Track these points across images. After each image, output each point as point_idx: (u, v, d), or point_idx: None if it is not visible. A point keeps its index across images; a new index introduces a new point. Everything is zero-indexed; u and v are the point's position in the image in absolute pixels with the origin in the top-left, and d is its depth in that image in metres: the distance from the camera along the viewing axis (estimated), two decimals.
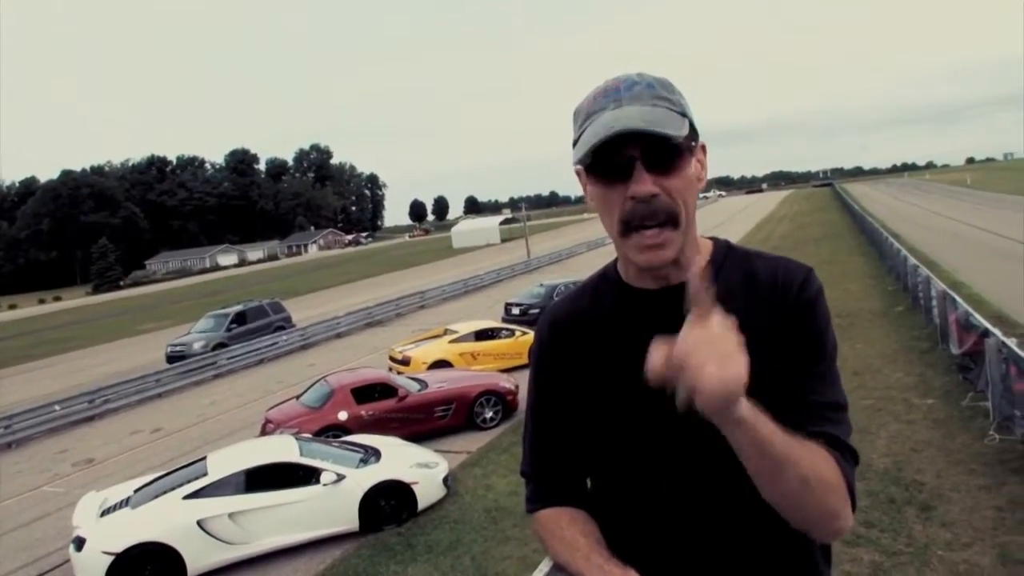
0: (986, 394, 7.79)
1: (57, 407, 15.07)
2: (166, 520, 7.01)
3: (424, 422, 10.50)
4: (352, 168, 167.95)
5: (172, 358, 20.21)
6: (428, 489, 8.01)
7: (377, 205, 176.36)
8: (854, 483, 1.13)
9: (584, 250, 42.14)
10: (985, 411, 7.80)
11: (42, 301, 78.58)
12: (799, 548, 1.19)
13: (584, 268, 29.59)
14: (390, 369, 13.46)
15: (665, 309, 1.22)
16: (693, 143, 1.18)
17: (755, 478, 1.05)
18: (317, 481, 7.45)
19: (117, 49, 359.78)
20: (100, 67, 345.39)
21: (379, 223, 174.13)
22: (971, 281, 15.62)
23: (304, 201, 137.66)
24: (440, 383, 11.15)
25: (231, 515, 7.17)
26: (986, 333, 7.90)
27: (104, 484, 9.16)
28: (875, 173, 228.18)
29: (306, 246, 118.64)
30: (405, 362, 13.75)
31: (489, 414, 10.83)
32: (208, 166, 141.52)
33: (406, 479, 7.87)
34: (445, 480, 8.23)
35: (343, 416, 10.09)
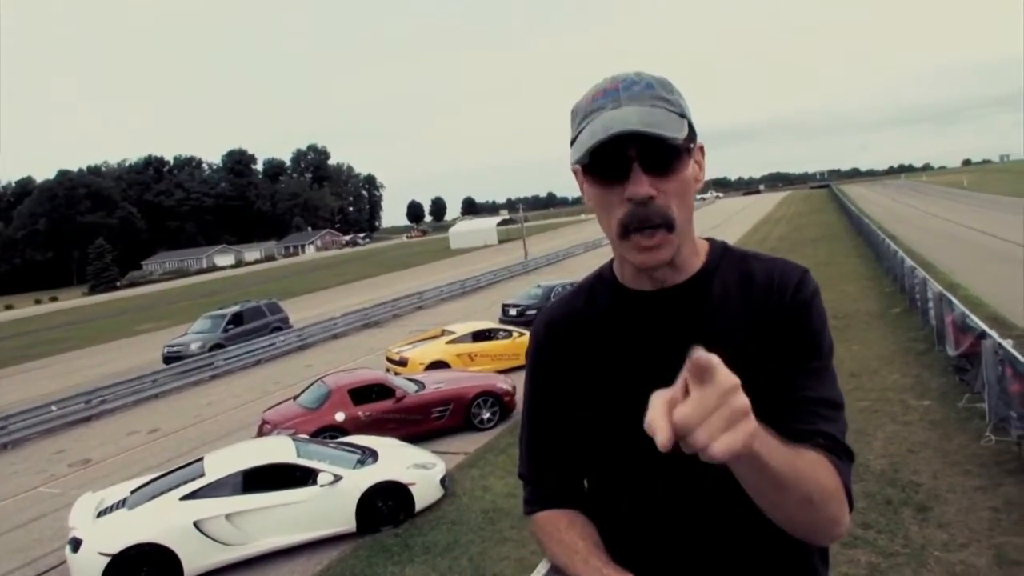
0: (982, 395, 7.81)
1: (54, 408, 15.03)
2: (163, 521, 6.99)
3: (421, 423, 10.50)
4: (349, 169, 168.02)
5: (169, 359, 20.16)
6: (425, 490, 8.01)
7: (374, 206, 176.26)
8: (851, 485, 1.12)
9: (581, 251, 42.14)
10: (981, 412, 7.81)
11: (38, 301, 78.35)
12: (797, 550, 1.19)
13: (581, 269, 29.53)
14: (387, 370, 13.45)
15: (661, 311, 1.23)
16: (691, 144, 1.16)
17: (756, 500, 1.03)
18: (314, 482, 7.45)
19: (114, 49, 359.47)
20: (97, 67, 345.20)
21: (376, 224, 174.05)
22: (968, 283, 15.66)
23: (301, 202, 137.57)
24: (437, 384, 11.15)
25: (228, 516, 7.16)
26: (983, 335, 7.91)
27: (101, 485, 9.14)
28: (872, 174, 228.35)
29: (303, 247, 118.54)
30: (402, 363, 13.75)
31: (486, 415, 10.83)
32: (205, 166, 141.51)
33: (403, 480, 7.87)
34: (442, 481, 8.23)
35: (340, 417, 10.09)
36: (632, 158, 1.10)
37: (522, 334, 13.98)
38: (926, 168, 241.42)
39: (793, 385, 1.16)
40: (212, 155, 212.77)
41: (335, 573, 6.98)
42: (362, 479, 7.69)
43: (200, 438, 12.46)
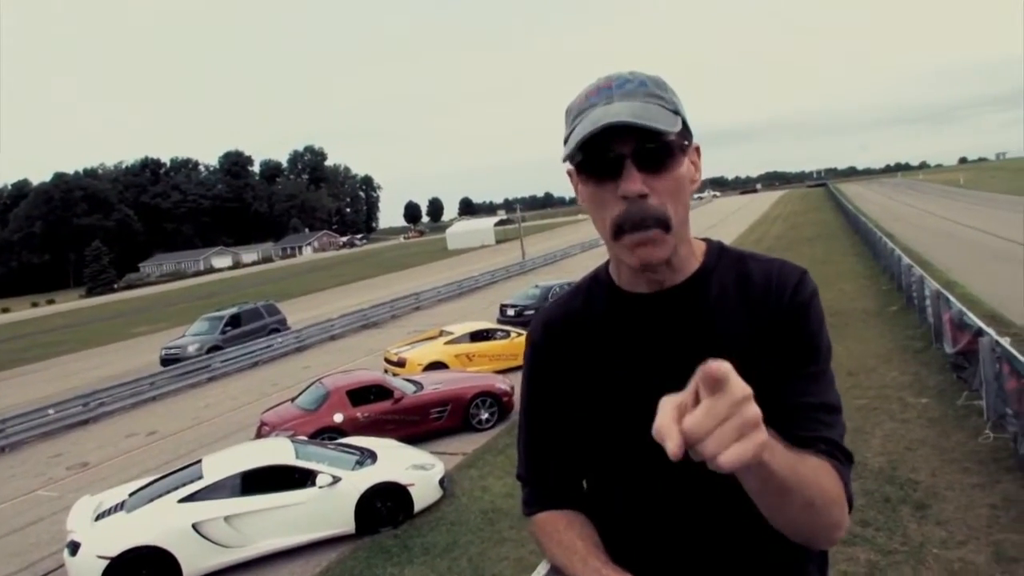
0: (980, 393, 7.82)
1: (51, 411, 14.99)
2: (161, 524, 6.98)
3: (420, 424, 10.49)
4: (347, 170, 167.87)
5: (167, 361, 20.16)
6: (424, 491, 8.00)
7: (372, 207, 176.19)
8: (851, 487, 1.12)
9: (578, 251, 42.16)
10: (979, 410, 7.83)
11: (35, 304, 78.15)
12: (796, 550, 1.19)
13: (578, 269, 29.54)
14: (385, 371, 13.44)
15: (659, 314, 1.22)
16: (686, 143, 1.15)
17: (758, 504, 1.02)
18: (313, 484, 7.44)
19: (110, 51, 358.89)
20: (93, 69, 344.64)
21: (374, 225, 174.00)
22: (965, 281, 15.69)
23: (298, 203, 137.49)
24: (436, 385, 11.14)
25: (227, 518, 7.15)
26: (980, 332, 7.93)
27: (99, 488, 9.11)
28: (869, 173, 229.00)
29: (300, 248, 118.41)
30: (400, 364, 13.74)
31: (485, 415, 10.82)
32: (202, 168, 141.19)
33: (402, 481, 7.86)
34: (441, 482, 8.22)
35: (339, 418, 10.08)
36: (625, 155, 1.09)
37: (520, 334, 13.97)
38: (923, 166, 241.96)
39: (792, 391, 1.15)
40: (208, 157, 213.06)
41: (334, 574, 6.97)
42: (361, 480, 7.68)
43: (198, 440, 12.44)
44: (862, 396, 9.21)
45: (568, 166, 1.19)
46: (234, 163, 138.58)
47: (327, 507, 7.47)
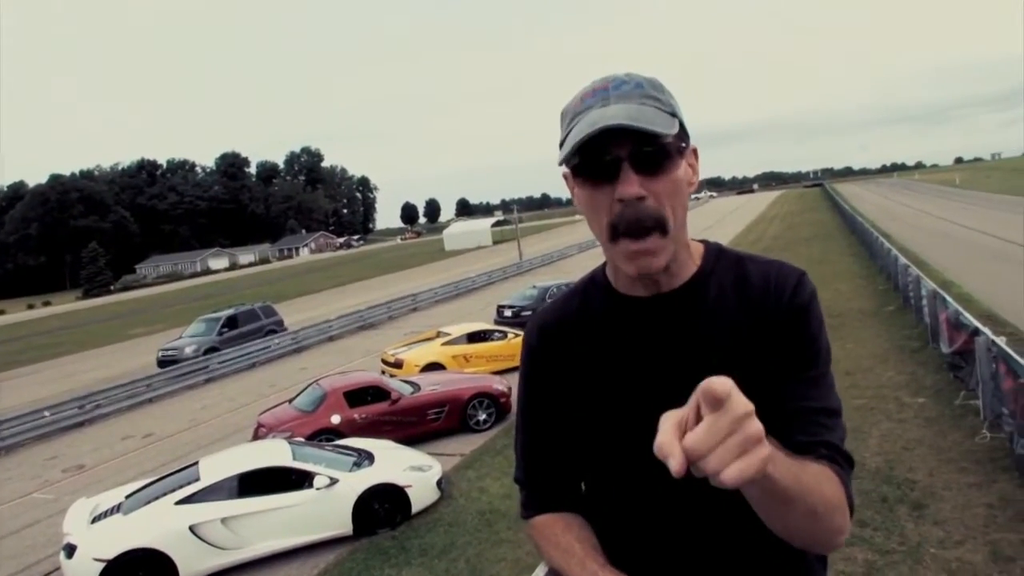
0: (977, 392, 7.84)
1: (47, 413, 14.95)
2: (158, 526, 6.96)
3: (417, 425, 10.48)
4: (343, 171, 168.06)
5: (163, 362, 20.13)
6: (422, 492, 7.99)
7: (368, 208, 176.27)
8: (852, 492, 1.12)
9: (575, 252, 42.18)
10: (976, 409, 7.84)
11: (31, 306, 77.91)
12: (795, 552, 1.18)
13: (576, 269, 29.60)
14: (383, 372, 13.42)
15: (657, 318, 1.21)
16: (683, 145, 1.14)
17: (759, 512, 1.02)
18: (310, 485, 7.42)
19: (106, 53, 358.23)
20: (89, 70, 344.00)
21: (370, 226, 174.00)
22: (961, 280, 15.72)
23: (295, 204, 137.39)
24: (433, 386, 11.13)
25: (224, 520, 7.13)
26: (976, 332, 7.94)
27: (95, 490, 9.08)
28: (865, 173, 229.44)
29: (297, 249, 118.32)
30: (398, 365, 13.73)
31: (482, 416, 10.82)
32: (198, 169, 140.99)
33: (400, 482, 7.85)
34: (439, 483, 8.21)
35: (336, 420, 10.06)
36: (622, 158, 1.07)
37: (517, 335, 13.97)
38: (919, 166, 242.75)
39: (793, 395, 1.14)
40: (205, 158, 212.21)
41: None
42: (358, 482, 7.67)
43: (195, 442, 12.42)
44: (859, 396, 9.22)
45: (564, 168, 1.18)
46: (230, 164, 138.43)
47: (324, 509, 7.46)
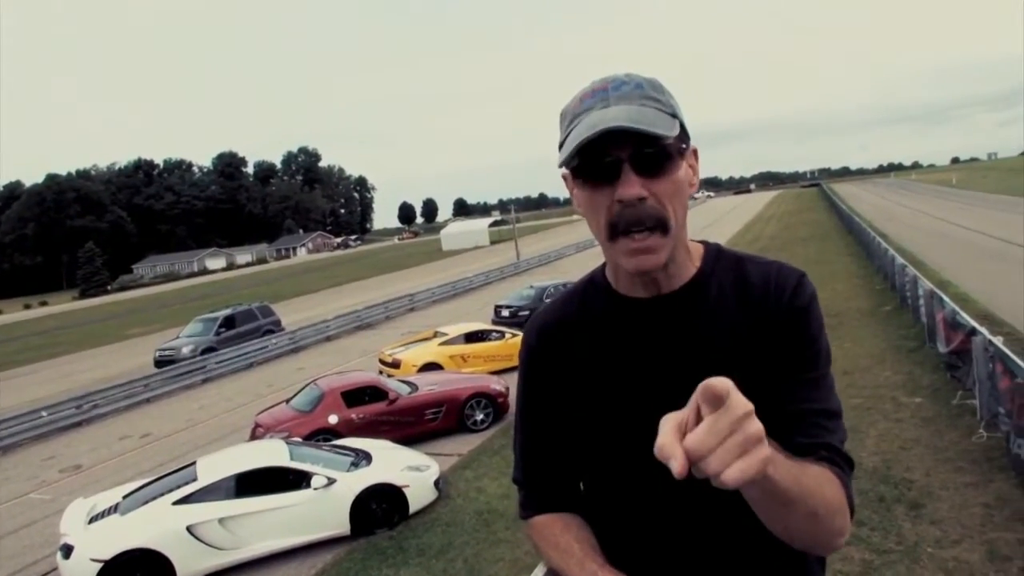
0: (974, 392, 7.85)
1: (44, 413, 14.91)
2: (155, 526, 6.95)
3: (415, 425, 10.48)
4: (341, 171, 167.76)
5: (161, 363, 20.08)
6: (419, 492, 7.99)
7: (366, 208, 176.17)
8: (853, 494, 1.12)
9: (573, 252, 42.18)
10: (973, 409, 7.86)
11: (28, 306, 77.68)
12: (795, 554, 1.18)
13: (573, 269, 29.64)
14: (380, 372, 13.42)
15: (656, 319, 1.21)
16: (683, 146, 1.14)
17: (759, 514, 1.01)
18: (308, 485, 7.42)
19: (103, 53, 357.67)
20: (86, 70, 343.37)
21: (368, 226, 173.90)
22: (958, 280, 15.76)
23: (292, 204, 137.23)
24: (430, 386, 11.13)
25: (221, 520, 7.12)
26: (973, 331, 7.96)
27: (92, 490, 9.06)
28: (862, 173, 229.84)
29: (295, 249, 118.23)
30: (395, 365, 13.72)
31: (480, 416, 10.82)
32: (195, 169, 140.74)
33: (397, 482, 7.85)
34: (436, 483, 8.21)
35: (333, 419, 10.05)
36: (622, 159, 1.07)
37: (515, 335, 13.98)
38: (915, 167, 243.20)
39: (793, 397, 1.14)
40: (202, 158, 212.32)
41: None
42: (356, 482, 7.67)
43: (192, 442, 12.40)
44: (856, 396, 9.24)
45: (563, 169, 1.17)
46: (228, 164, 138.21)
47: (322, 509, 7.45)
